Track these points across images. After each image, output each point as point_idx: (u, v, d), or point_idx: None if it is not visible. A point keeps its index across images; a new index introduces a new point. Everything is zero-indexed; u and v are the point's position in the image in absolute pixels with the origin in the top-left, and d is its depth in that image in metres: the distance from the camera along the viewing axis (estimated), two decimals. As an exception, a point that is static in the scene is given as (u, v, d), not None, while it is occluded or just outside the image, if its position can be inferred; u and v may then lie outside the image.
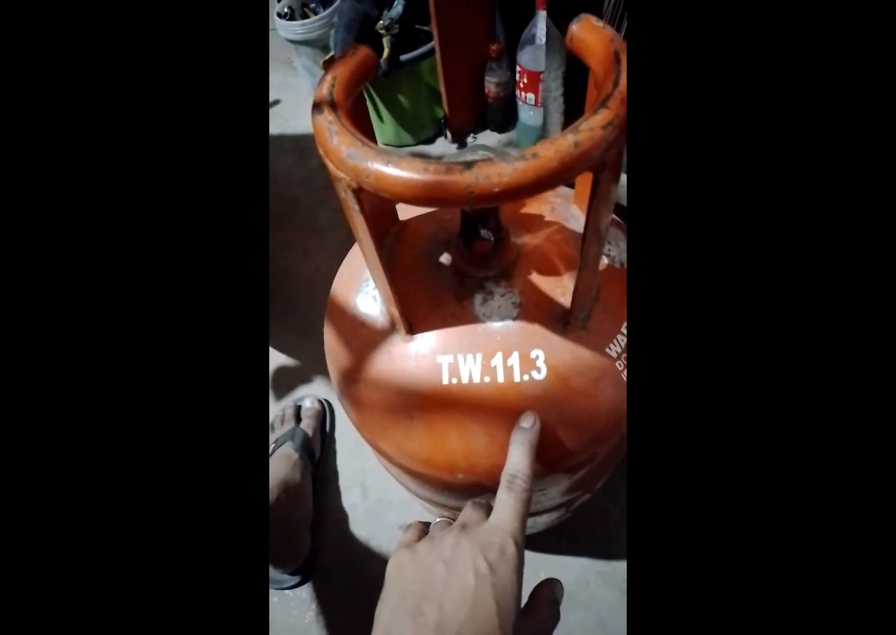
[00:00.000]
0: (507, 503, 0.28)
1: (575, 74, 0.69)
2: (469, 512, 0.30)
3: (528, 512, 0.29)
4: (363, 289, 0.39)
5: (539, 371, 0.33)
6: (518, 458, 0.30)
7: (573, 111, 0.71)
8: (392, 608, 0.26)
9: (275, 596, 0.63)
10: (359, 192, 0.25)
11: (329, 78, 0.27)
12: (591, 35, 0.27)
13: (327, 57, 1.03)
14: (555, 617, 0.28)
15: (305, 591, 0.63)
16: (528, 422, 0.32)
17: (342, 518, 0.68)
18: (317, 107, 0.26)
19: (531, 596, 0.29)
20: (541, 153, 0.21)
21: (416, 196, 0.22)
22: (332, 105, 0.26)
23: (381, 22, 0.97)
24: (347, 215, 0.29)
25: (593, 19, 0.28)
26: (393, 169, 0.22)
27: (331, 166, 0.25)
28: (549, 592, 0.29)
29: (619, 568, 0.62)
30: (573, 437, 0.34)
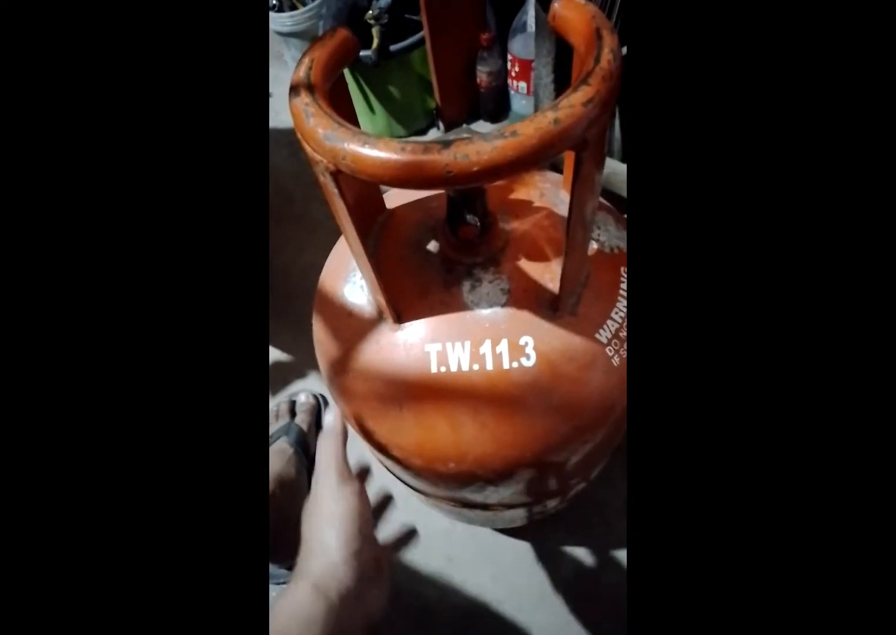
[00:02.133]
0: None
1: (565, 61, 0.68)
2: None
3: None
4: (350, 279, 0.38)
5: (528, 358, 0.33)
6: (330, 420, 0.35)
7: (565, 98, 0.71)
8: None
9: (274, 591, 0.63)
10: (337, 175, 0.24)
11: (306, 60, 0.27)
12: (573, 12, 0.26)
13: (317, 49, 1.02)
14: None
15: (303, 585, 0.63)
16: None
17: (339, 511, 0.68)
18: (293, 89, 0.25)
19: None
20: (520, 131, 0.21)
21: (394, 177, 0.22)
22: (310, 87, 0.25)
23: (370, 12, 0.96)
24: (329, 201, 0.28)
25: (575, -5, 0.27)
26: (370, 149, 0.22)
27: (308, 149, 0.24)
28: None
29: (619, 556, 0.62)
30: (564, 424, 0.34)
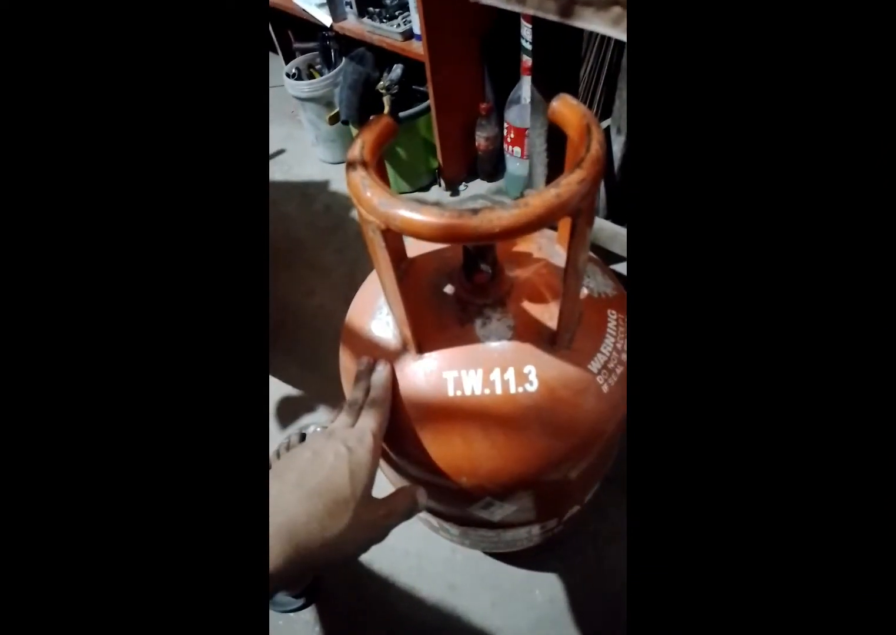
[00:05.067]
0: (368, 413, 0.37)
1: (556, 132, 0.78)
2: (339, 419, 0.38)
3: (385, 419, 0.38)
4: (377, 316, 0.44)
5: (531, 384, 0.39)
6: (378, 387, 0.39)
7: (555, 163, 0.80)
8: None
9: (280, 620, 0.65)
10: (385, 233, 0.31)
11: (359, 141, 0.34)
12: (568, 110, 0.34)
13: (332, 113, 1.13)
14: (407, 509, 0.36)
15: (310, 614, 0.65)
16: (380, 366, 0.40)
17: (344, 541, 0.71)
18: (351, 165, 0.32)
19: (395, 491, 0.37)
20: (531, 202, 0.28)
21: (435, 235, 0.28)
22: (364, 163, 0.32)
23: (382, 83, 1.07)
24: (372, 252, 0.35)
25: (569, 97, 0.35)
26: (417, 215, 0.28)
27: (363, 211, 0.31)
28: (410, 489, 0.37)
29: (608, 583, 0.65)
30: (561, 442, 0.39)
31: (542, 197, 0.28)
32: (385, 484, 0.61)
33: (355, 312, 0.47)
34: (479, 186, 1.18)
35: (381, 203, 0.29)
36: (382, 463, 0.47)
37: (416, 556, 0.68)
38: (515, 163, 1.08)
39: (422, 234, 0.28)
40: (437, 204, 0.34)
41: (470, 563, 0.67)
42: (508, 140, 1.06)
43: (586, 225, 0.32)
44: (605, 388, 0.40)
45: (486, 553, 0.68)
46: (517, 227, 0.28)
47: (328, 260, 1.07)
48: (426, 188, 1.19)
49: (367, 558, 0.69)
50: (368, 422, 0.37)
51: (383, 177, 0.38)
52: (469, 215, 0.28)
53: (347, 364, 0.46)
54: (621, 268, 0.92)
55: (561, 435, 0.39)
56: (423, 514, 0.54)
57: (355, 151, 0.33)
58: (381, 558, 0.69)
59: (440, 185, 1.17)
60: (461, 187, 1.18)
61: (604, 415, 0.40)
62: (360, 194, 0.31)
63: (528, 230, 0.28)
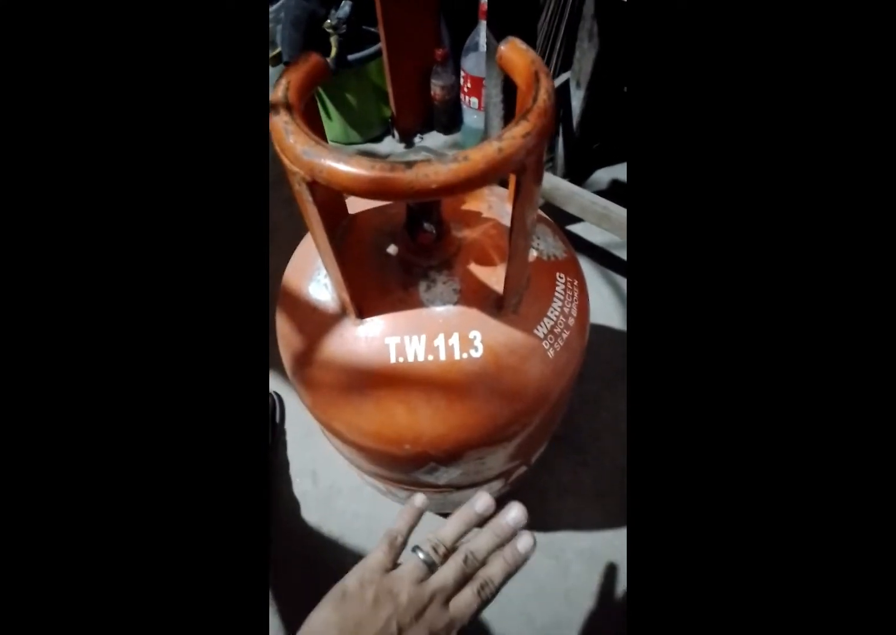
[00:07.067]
0: (467, 597, 0.30)
1: (514, 82, 0.74)
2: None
3: (483, 608, 0.31)
4: (315, 278, 0.42)
5: (476, 350, 0.37)
6: (495, 570, 0.31)
7: (512, 116, 0.76)
8: None
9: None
10: (312, 185, 0.28)
11: (283, 82, 0.30)
12: (517, 55, 0.31)
13: (273, 53, 1.03)
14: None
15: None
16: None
17: (294, 506, 0.70)
18: (273, 108, 0.29)
19: None
20: (470, 157, 0.25)
21: (364, 189, 0.25)
22: (288, 106, 0.29)
23: (329, 21, 0.98)
24: (301, 206, 0.31)
25: (518, 42, 0.32)
26: (343, 165, 0.25)
27: (286, 161, 0.28)
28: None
29: (555, 538, 0.67)
30: (506, 408, 0.39)
31: (483, 151, 0.26)
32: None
33: (292, 273, 0.44)
34: (435, 138, 1.12)
35: (304, 151, 0.26)
36: (325, 432, 0.45)
37: (366, 518, 0.68)
38: (472, 115, 1.03)
39: (350, 188, 0.26)
40: (387, 157, 0.30)
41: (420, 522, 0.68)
42: (465, 90, 1.01)
43: (533, 182, 0.30)
44: (550, 353, 0.39)
45: (434, 513, 0.68)
46: (455, 184, 0.25)
47: (274, 215, 1.01)
48: (379, 139, 1.12)
49: (317, 522, 0.68)
50: (464, 611, 0.30)
51: (313, 123, 0.34)
52: (402, 168, 0.25)
53: (285, 330, 0.43)
54: (577, 229, 0.91)
55: (506, 401, 0.39)
56: (370, 479, 0.53)
57: (279, 93, 0.29)
58: (332, 522, 0.68)
59: (394, 136, 1.11)
60: (417, 139, 1.12)
61: (549, 380, 0.40)
62: (282, 141, 0.27)
63: (467, 187, 0.26)
